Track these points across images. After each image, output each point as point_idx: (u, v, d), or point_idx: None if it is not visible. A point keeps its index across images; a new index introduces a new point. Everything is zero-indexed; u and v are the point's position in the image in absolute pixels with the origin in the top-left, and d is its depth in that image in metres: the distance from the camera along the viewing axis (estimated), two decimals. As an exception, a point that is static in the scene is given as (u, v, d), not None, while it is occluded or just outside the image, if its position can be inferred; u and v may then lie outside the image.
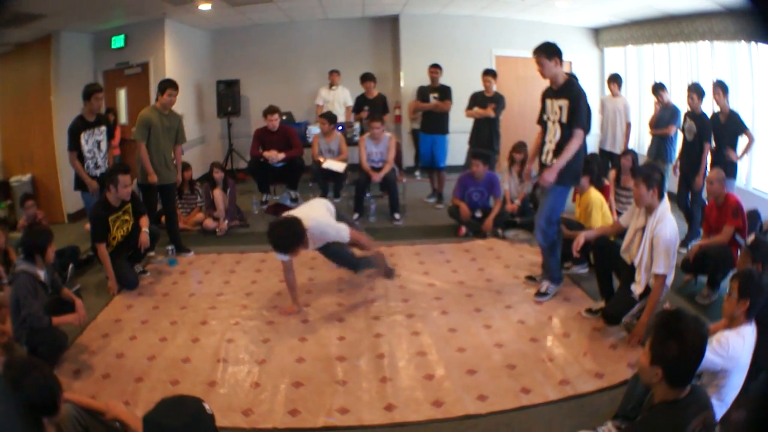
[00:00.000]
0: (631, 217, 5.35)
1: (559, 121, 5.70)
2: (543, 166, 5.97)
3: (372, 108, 10.46)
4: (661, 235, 4.90)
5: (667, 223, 4.97)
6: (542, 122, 5.99)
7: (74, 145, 7.15)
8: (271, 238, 5.58)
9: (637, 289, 5.12)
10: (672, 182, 7.79)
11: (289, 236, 5.52)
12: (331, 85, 11.61)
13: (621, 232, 5.50)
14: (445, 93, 9.76)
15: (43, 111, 9.47)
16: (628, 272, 5.27)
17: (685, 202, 7.87)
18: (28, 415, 2.69)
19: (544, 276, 6.25)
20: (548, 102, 5.87)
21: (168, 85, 7.33)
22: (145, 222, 6.86)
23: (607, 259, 5.61)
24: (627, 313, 5.12)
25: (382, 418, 4.17)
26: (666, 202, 5.07)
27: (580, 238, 5.51)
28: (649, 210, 5.06)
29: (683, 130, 7.80)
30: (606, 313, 5.23)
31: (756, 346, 3.57)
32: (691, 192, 7.71)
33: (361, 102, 10.81)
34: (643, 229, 5.10)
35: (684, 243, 7.36)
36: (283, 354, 5.09)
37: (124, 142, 10.13)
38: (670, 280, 5.07)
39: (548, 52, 5.64)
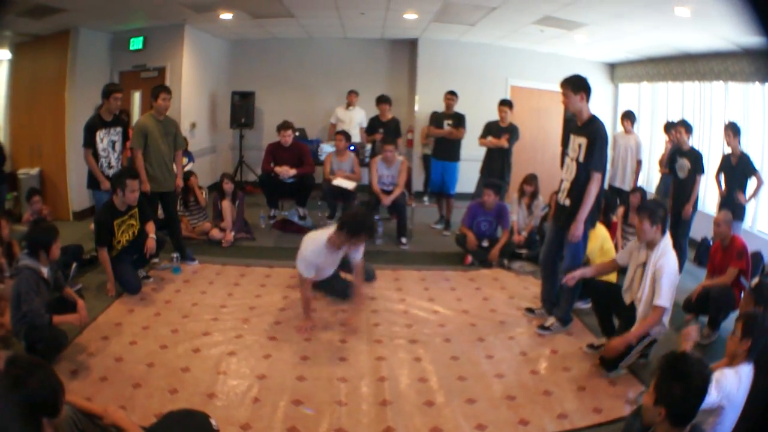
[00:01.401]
0: (628, 256, 5.36)
1: (577, 160, 5.66)
2: (558, 204, 5.95)
3: (386, 131, 10.46)
4: (664, 268, 4.90)
5: (669, 257, 4.98)
6: (563, 157, 5.98)
7: (89, 143, 7.18)
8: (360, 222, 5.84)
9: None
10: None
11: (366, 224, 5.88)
12: (348, 105, 11.61)
13: (616, 270, 5.50)
14: (459, 120, 9.77)
15: (56, 106, 9.52)
16: (627, 316, 5.23)
17: (678, 242, 7.87)
18: (29, 415, 2.66)
19: (553, 313, 6.20)
20: (571, 137, 5.83)
21: (161, 90, 7.39)
22: (151, 228, 6.85)
23: (606, 303, 5.61)
24: (624, 359, 5.07)
25: (381, 442, 4.13)
26: (668, 238, 5.09)
27: (577, 273, 5.50)
28: (651, 245, 5.06)
29: (673, 170, 7.80)
30: (603, 360, 5.18)
31: (752, 386, 3.56)
32: (679, 224, 7.71)
33: (375, 124, 10.80)
34: (644, 264, 5.09)
35: None
36: (285, 371, 5.05)
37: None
38: (667, 319, 5.06)
39: (576, 85, 5.59)
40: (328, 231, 5.90)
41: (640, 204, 7.61)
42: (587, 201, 5.58)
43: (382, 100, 10.64)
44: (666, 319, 5.03)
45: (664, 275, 4.88)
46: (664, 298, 4.87)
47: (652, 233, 5.02)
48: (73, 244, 7.21)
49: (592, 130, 5.58)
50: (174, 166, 7.72)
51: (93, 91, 7.45)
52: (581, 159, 5.61)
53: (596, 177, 5.56)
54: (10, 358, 2.91)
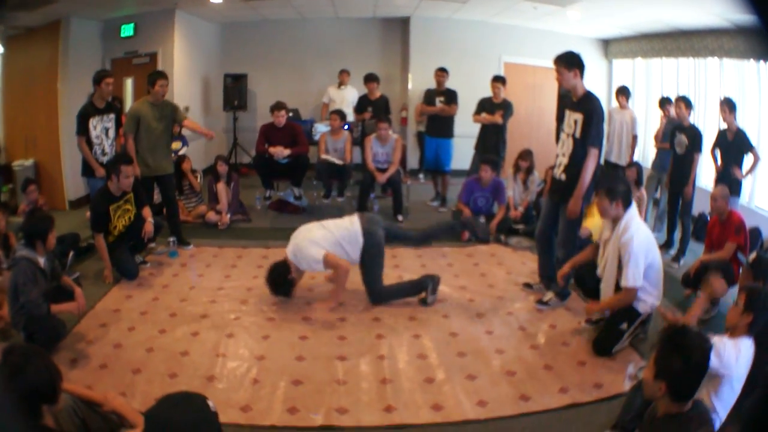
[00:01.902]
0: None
1: (573, 135, 5.64)
2: (554, 179, 5.94)
3: (375, 109, 10.45)
4: (627, 245, 4.91)
5: (633, 232, 4.94)
6: (558, 132, 5.96)
7: (83, 130, 7.14)
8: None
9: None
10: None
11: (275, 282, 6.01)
12: (340, 84, 11.58)
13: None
14: (451, 97, 9.77)
15: (49, 96, 9.46)
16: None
17: (673, 218, 7.92)
18: (28, 403, 2.67)
19: (551, 288, 6.21)
20: (567, 113, 5.81)
21: (158, 77, 7.34)
22: (148, 212, 6.83)
23: (590, 287, 5.66)
24: (616, 345, 5.06)
25: (381, 420, 4.14)
26: (632, 212, 5.07)
27: (566, 267, 5.57)
28: (615, 222, 5.07)
29: (672, 145, 7.79)
30: (595, 347, 5.14)
31: (753, 364, 3.55)
32: (682, 203, 7.72)
33: (363, 103, 10.78)
34: (608, 241, 5.12)
35: (676, 258, 7.44)
36: (284, 351, 5.06)
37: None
38: (655, 297, 5.09)
39: (569, 62, 5.56)
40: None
41: (636, 179, 7.68)
42: (585, 177, 5.56)
43: (370, 79, 10.62)
44: (653, 299, 5.07)
45: (626, 253, 4.90)
46: (630, 278, 4.89)
47: (612, 210, 5.04)
48: (69, 233, 7.21)
49: (587, 106, 5.56)
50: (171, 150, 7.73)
51: (86, 80, 7.41)
52: (577, 135, 5.59)
53: (593, 152, 5.54)
54: (7, 348, 2.91)
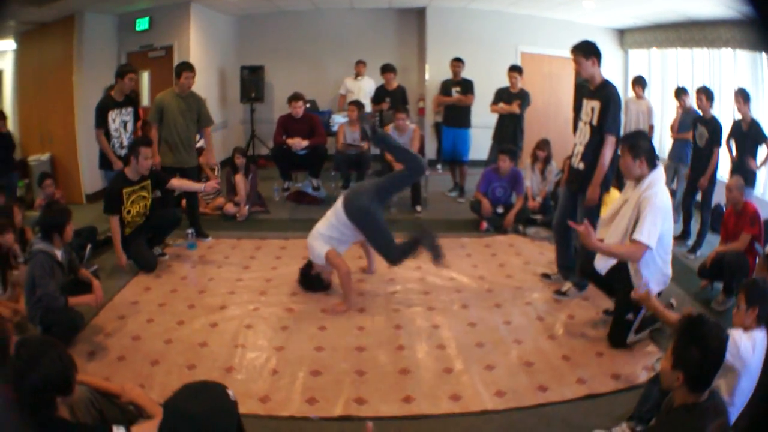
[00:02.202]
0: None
1: (590, 123, 5.63)
2: (571, 168, 5.91)
3: (392, 99, 10.42)
4: (650, 199, 4.66)
5: (657, 190, 4.73)
6: (576, 121, 5.93)
7: (101, 123, 7.18)
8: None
9: (599, 264, 5.10)
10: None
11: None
12: (357, 75, 11.56)
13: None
14: (467, 87, 9.75)
15: (64, 91, 9.49)
16: (622, 294, 5.00)
17: (689, 208, 7.89)
18: (42, 395, 2.67)
19: (569, 279, 6.19)
20: (584, 101, 5.80)
21: (184, 68, 7.35)
22: (184, 182, 7.06)
23: (601, 282, 5.50)
24: (628, 335, 5.02)
25: (400, 410, 4.15)
26: (659, 172, 4.84)
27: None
28: (639, 181, 4.86)
29: (694, 137, 7.74)
30: (610, 341, 5.10)
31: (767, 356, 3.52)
32: (702, 195, 7.67)
33: (381, 93, 10.75)
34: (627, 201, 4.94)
35: (692, 250, 7.38)
36: (302, 342, 5.07)
37: (144, 123, 10.18)
38: (661, 285, 4.98)
39: (586, 51, 5.57)
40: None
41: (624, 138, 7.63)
42: (602, 164, 5.54)
43: (387, 69, 10.56)
44: (655, 283, 4.85)
45: (647, 206, 4.63)
46: (644, 233, 4.58)
47: (636, 168, 4.80)
48: (87, 226, 7.23)
49: (605, 93, 5.54)
50: (194, 143, 7.72)
51: (101, 73, 7.45)
52: (594, 122, 5.58)
53: (610, 140, 5.51)
54: (20, 340, 2.92)
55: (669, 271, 4.99)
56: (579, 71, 5.70)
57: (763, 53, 8.27)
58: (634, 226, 4.70)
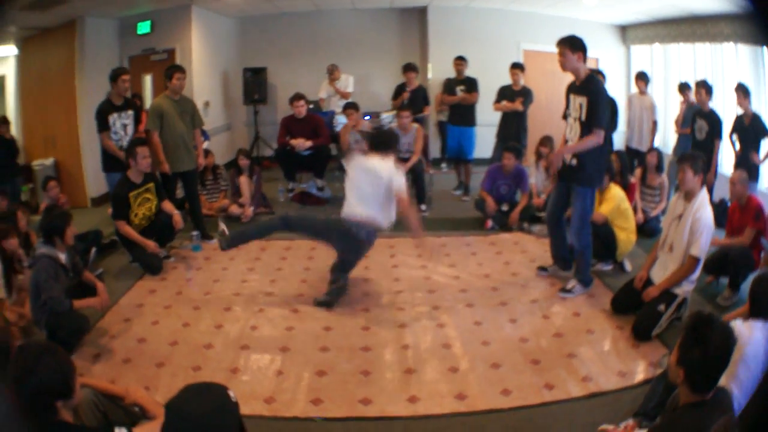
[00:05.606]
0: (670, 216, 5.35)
1: (579, 119, 5.66)
2: (564, 164, 5.92)
3: (413, 98, 10.14)
4: (702, 220, 4.97)
5: (707, 211, 5.03)
6: (566, 117, 5.95)
7: (104, 127, 7.19)
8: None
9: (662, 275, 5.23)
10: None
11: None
12: (333, 80, 11.15)
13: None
14: (471, 85, 9.70)
15: (67, 96, 9.52)
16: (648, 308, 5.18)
17: None
18: (42, 401, 2.67)
19: (566, 269, 6.22)
20: (571, 97, 5.82)
21: (175, 70, 7.34)
22: (171, 206, 6.87)
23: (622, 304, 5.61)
24: (655, 326, 5.05)
25: (406, 410, 4.14)
26: (705, 192, 5.12)
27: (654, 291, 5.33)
28: (689, 196, 5.09)
29: (693, 130, 7.74)
30: (636, 331, 5.12)
31: None
32: (706, 189, 7.63)
33: (400, 92, 10.28)
34: (681, 217, 5.11)
35: None
36: (307, 342, 5.07)
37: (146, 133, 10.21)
38: (697, 275, 5.11)
39: (573, 45, 5.57)
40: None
41: (657, 164, 7.66)
42: (581, 145, 5.61)
43: (409, 68, 10.23)
44: (689, 282, 5.09)
45: (702, 227, 4.96)
46: (701, 249, 4.97)
47: (693, 182, 5.06)
48: (92, 230, 7.24)
49: (591, 88, 5.58)
50: (194, 145, 7.71)
51: (104, 78, 7.43)
52: (583, 118, 5.61)
53: (598, 132, 5.54)
54: (20, 346, 2.92)
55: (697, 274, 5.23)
56: (563, 64, 5.67)
57: (764, 47, 8.25)
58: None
